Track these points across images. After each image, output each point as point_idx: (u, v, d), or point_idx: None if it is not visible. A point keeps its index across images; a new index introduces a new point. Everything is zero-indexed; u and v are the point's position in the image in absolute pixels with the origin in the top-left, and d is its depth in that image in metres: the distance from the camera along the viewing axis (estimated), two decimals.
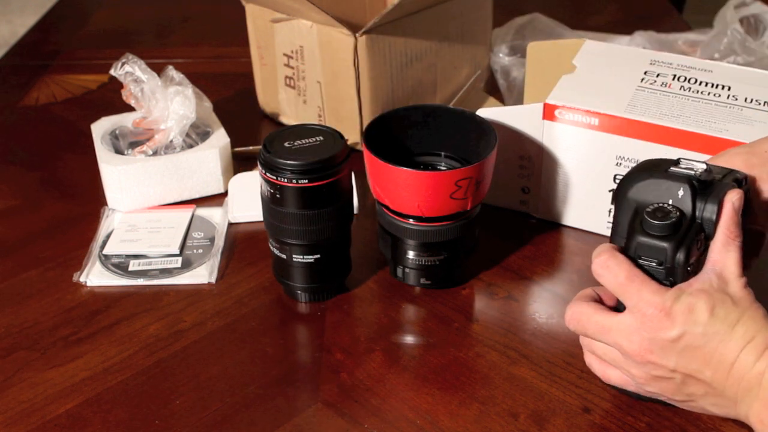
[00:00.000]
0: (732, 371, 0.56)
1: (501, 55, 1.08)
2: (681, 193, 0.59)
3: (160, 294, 0.78)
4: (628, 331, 0.58)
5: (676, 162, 0.61)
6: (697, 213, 0.59)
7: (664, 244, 0.57)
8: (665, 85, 0.81)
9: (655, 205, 0.58)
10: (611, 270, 0.59)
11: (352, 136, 0.95)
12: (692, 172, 0.60)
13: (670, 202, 0.59)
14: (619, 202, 0.61)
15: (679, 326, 0.56)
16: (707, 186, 0.59)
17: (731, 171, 0.62)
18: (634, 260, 0.59)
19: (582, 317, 0.61)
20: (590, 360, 0.64)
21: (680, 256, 0.57)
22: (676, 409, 0.64)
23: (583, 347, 0.64)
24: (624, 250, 0.59)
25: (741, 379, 0.56)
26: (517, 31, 1.11)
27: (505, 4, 1.25)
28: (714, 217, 0.58)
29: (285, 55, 0.99)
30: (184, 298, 0.78)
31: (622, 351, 0.59)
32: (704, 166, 0.60)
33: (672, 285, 0.59)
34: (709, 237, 0.59)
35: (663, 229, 0.57)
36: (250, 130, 1.03)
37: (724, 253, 0.58)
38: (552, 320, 0.75)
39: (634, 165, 0.68)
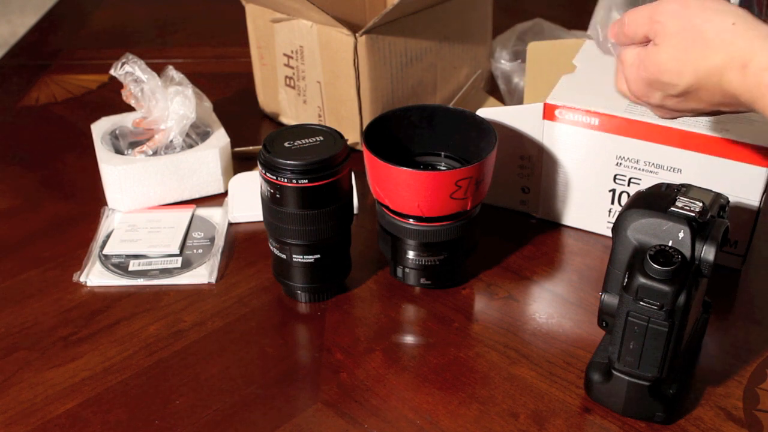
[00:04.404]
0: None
1: (503, 61, 1.07)
2: (681, 235, 0.59)
3: (160, 294, 0.78)
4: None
5: (674, 199, 0.61)
6: (695, 254, 0.59)
7: (667, 288, 0.58)
8: None
9: (657, 248, 0.59)
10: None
11: (352, 136, 0.95)
12: (692, 214, 0.60)
13: (670, 243, 0.59)
14: (619, 236, 0.62)
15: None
16: (704, 226, 0.60)
17: (716, 194, 0.63)
18: (635, 302, 0.59)
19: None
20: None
21: (682, 299, 0.58)
22: None
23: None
24: (624, 289, 0.60)
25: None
26: (518, 37, 1.11)
27: (507, 8, 1.25)
28: (712, 258, 0.59)
29: (285, 55, 0.99)
30: (184, 298, 0.78)
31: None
32: (701, 204, 0.61)
33: (670, 327, 0.59)
34: (706, 277, 0.61)
35: (666, 274, 0.58)
36: (250, 130, 1.03)
37: None
38: (552, 320, 0.75)
39: (631, 196, 0.68)
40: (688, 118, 0.76)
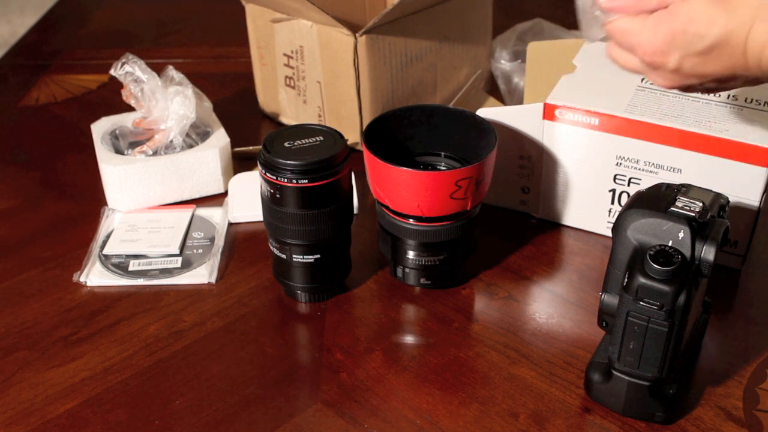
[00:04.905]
0: None
1: (503, 61, 1.07)
2: (681, 235, 0.59)
3: (160, 294, 0.78)
4: None
5: (674, 199, 0.61)
6: (695, 254, 0.59)
7: (667, 288, 0.58)
8: None
9: (657, 248, 0.59)
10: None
11: (352, 136, 0.95)
12: (692, 214, 0.60)
13: (670, 243, 0.59)
14: (619, 236, 0.62)
15: None
16: (704, 226, 0.60)
17: (716, 194, 0.63)
18: (635, 302, 0.59)
19: None
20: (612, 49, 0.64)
21: (682, 299, 0.58)
22: None
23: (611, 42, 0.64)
24: (624, 289, 0.60)
25: None
26: (518, 37, 1.11)
27: (507, 8, 1.25)
28: (712, 258, 0.59)
29: (285, 55, 0.99)
30: (184, 298, 0.78)
31: None
32: (701, 204, 0.61)
33: (670, 327, 0.59)
34: (706, 277, 0.60)
35: (666, 274, 0.58)
36: (250, 130, 1.03)
37: None
38: (552, 320, 0.75)
39: (631, 196, 0.68)
40: (688, 117, 0.76)
